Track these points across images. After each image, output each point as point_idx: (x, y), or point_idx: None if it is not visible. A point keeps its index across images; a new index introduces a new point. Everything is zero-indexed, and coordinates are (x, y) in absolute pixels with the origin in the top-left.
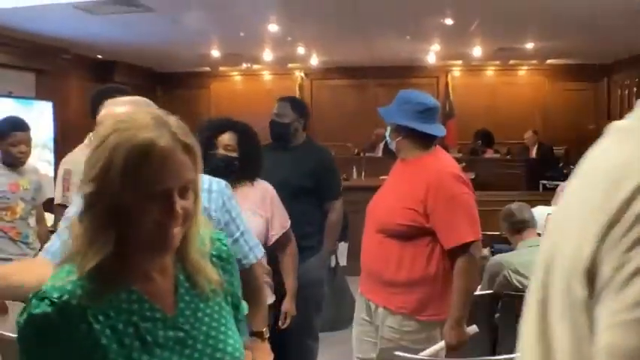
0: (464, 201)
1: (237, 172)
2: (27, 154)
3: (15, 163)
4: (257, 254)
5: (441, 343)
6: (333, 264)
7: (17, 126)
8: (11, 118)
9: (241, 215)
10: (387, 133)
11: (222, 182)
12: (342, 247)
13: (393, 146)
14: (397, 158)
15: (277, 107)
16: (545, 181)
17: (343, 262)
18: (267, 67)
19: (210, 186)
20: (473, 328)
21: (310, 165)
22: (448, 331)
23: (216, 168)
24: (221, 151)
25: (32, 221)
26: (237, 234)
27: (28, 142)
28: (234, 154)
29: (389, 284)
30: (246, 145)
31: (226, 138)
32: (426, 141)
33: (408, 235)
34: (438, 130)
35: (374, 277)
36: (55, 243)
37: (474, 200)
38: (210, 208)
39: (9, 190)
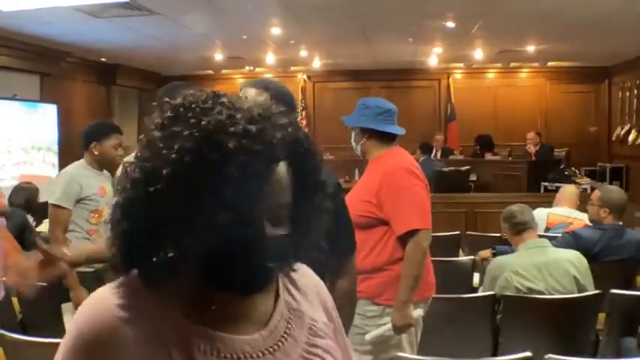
0: (413, 192)
1: None
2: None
3: (111, 167)
4: None
5: (388, 325)
6: None
7: (117, 129)
8: (106, 121)
9: None
10: (352, 139)
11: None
12: None
13: (358, 150)
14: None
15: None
16: (546, 183)
17: None
18: (270, 69)
19: None
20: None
21: None
22: (394, 313)
23: None
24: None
25: None
26: None
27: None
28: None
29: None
30: None
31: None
32: (387, 140)
33: (367, 226)
34: (397, 129)
35: None
36: None
37: (424, 192)
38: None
39: (99, 194)
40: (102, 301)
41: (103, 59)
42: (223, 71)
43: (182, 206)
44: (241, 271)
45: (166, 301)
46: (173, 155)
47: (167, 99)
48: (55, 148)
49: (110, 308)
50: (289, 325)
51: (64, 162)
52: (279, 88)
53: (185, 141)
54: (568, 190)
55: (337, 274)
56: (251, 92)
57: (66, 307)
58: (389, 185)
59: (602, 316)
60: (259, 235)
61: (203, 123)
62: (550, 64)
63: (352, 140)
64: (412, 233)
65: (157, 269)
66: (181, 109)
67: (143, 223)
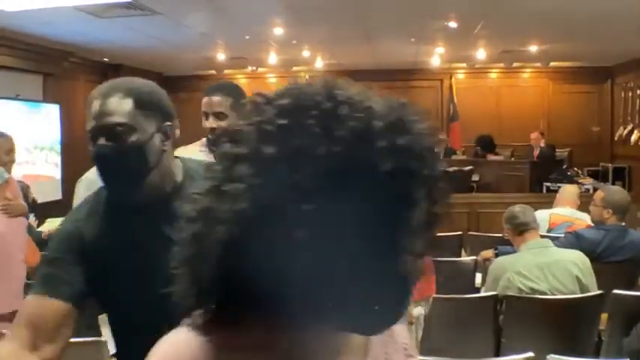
0: None
1: None
2: None
3: None
4: None
5: None
6: None
7: None
8: None
9: None
10: None
11: None
12: None
13: None
14: None
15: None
16: (548, 184)
17: None
18: (273, 70)
19: None
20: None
21: None
22: None
23: None
24: None
25: None
26: None
27: None
28: None
29: None
30: None
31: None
32: None
33: None
34: None
35: None
36: None
37: None
38: None
39: None
40: (188, 352)
41: (105, 59)
42: (226, 71)
43: (321, 248)
44: (382, 313)
45: (262, 345)
46: (308, 184)
47: (261, 94)
48: (58, 148)
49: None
50: (387, 351)
51: (66, 162)
52: (146, 90)
53: (318, 162)
54: (568, 191)
55: None
56: (112, 102)
57: (103, 318)
58: None
59: (604, 316)
60: (403, 269)
61: (337, 134)
62: (553, 64)
63: None
64: None
65: (259, 314)
66: (297, 113)
67: (261, 264)
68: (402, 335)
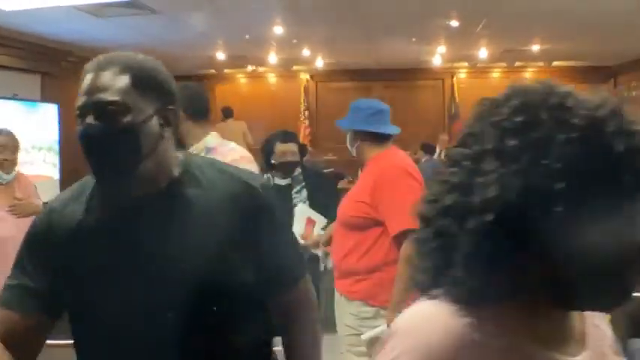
0: (407, 191)
1: None
2: None
3: None
4: None
5: (384, 326)
6: (322, 268)
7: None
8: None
9: None
10: (348, 142)
11: None
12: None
13: (354, 152)
14: None
15: None
16: None
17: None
18: (273, 69)
19: None
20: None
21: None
22: (389, 313)
23: None
24: None
25: None
26: None
27: None
28: None
29: (350, 273)
30: None
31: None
32: (382, 141)
33: (362, 226)
34: (391, 129)
35: (338, 269)
36: None
37: (420, 192)
38: None
39: None
40: (443, 317)
41: None
42: (225, 70)
43: (574, 223)
44: (624, 287)
45: (506, 326)
46: (555, 167)
47: (487, 99)
48: (56, 148)
49: (457, 326)
50: (600, 344)
51: (64, 162)
52: (147, 66)
53: (560, 148)
54: None
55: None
56: (106, 76)
57: None
58: (383, 185)
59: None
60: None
61: (571, 122)
62: (555, 63)
63: (347, 143)
64: (407, 233)
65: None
66: (530, 109)
67: (514, 247)
68: (609, 334)
